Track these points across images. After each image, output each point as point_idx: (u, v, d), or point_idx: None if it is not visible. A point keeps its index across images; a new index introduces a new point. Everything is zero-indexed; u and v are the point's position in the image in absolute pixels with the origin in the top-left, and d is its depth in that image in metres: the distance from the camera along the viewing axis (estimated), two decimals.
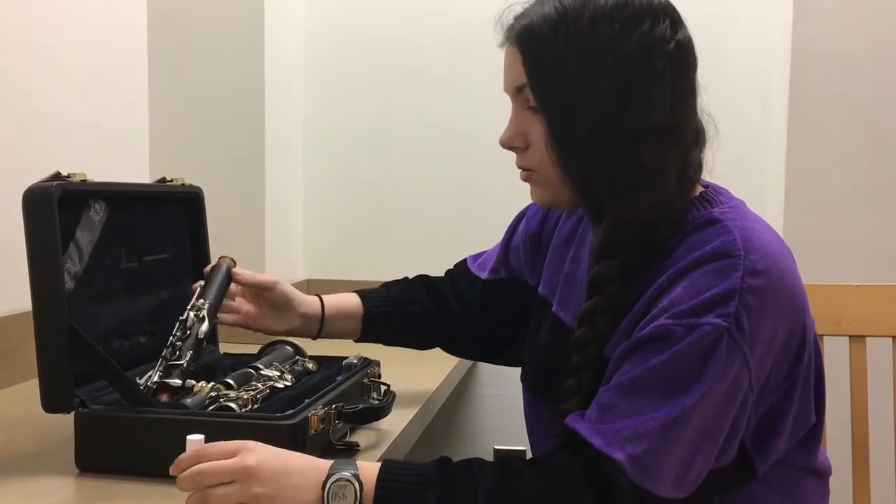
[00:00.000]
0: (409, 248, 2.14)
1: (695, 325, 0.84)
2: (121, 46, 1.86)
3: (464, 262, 1.37)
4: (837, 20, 1.84)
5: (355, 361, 1.30)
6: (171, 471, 0.84)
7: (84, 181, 1.10)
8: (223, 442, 0.85)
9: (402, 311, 1.32)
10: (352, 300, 1.33)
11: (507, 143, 1.00)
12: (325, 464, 0.84)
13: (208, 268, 1.25)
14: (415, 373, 1.53)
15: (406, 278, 1.40)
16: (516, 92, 0.97)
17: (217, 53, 1.92)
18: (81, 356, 1.03)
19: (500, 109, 2.05)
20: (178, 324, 1.17)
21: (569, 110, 0.92)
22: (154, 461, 1.00)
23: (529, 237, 1.22)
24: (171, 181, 1.33)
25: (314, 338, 1.31)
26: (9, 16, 1.50)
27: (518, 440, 2.07)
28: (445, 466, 0.85)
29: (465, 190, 2.10)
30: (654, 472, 0.82)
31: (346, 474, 0.82)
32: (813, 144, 1.87)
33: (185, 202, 1.37)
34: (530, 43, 0.94)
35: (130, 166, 1.89)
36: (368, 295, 1.34)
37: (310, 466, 0.84)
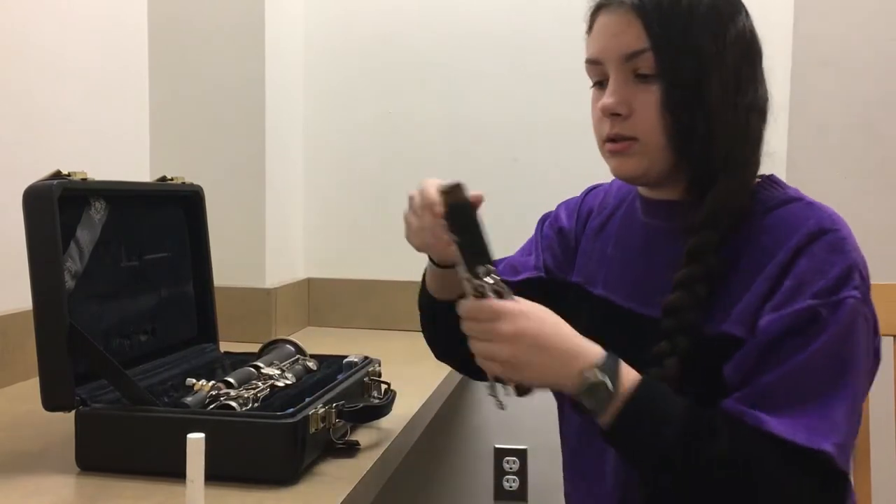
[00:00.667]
0: (409, 247, 2.13)
1: (838, 303, 0.87)
2: (122, 45, 1.86)
3: None
4: (838, 19, 1.84)
5: (356, 360, 1.30)
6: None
7: (84, 180, 1.10)
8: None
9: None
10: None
11: (612, 109, 0.96)
12: (589, 360, 0.87)
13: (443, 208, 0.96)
14: (415, 372, 1.54)
15: None
16: (625, 59, 0.95)
17: (217, 53, 1.92)
18: (82, 355, 1.03)
19: (500, 107, 2.06)
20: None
21: (696, 77, 0.93)
22: (154, 460, 1.01)
23: (561, 232, 1.18)
24: (172, 180, 1.34)
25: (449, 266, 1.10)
26: (9, 16, 1.50)
27: (518, 439, 2.07)
28: (693, 412, 0.88)
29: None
30: (849, 456, 0.88)
31: (606, 382, 0.86)
32: (813, 143, 1.87)
33: (185, 201, 1.37)
34: (656, 8, 0.93)
35: (131, 165, 1.89)
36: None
37: (569, 354, 0.88)
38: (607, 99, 0.96)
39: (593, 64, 0.99)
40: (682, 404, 0.88)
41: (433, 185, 1.00)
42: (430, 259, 1.12)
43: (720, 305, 0.93)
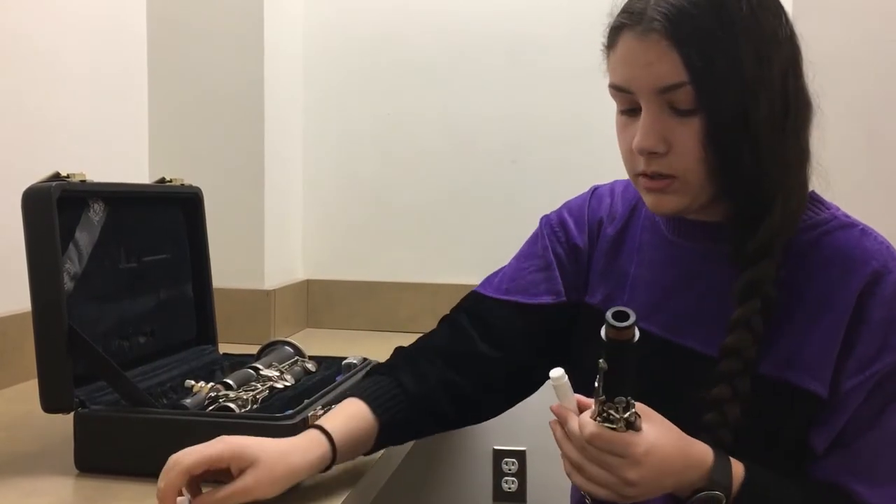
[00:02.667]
0: (408, 248, 2.14)
1: None
2: (120, 47, 1.86)
3: (479, 297, 1.12)
4: (837, 19, 1.84)
5: (355, 362, 1.30)
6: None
7: (83, 181, 1.10)
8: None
9: (423, 409, 1.04)
10: (360, 415, 0.99)
11: (650, 149, 0.87)
12: (703, 469, 0.84)
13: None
14: None
15: (405, 353, 1.11)
16: (660, 92, 0.85)
17: (216, 54, 1.92)
18: (81, 356, 1.03)
19: (499, 109, 2.06)
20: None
21: (742, 105, 0.84)
22: (153, 461, 1.00)
23: (574, 250, 1.08)
24: (171, 181, 1.33)
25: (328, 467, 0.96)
26: (8, 18, 1.50)
27: (517, 441, 2.07)
28: (812, 494, 0.87)
29: (466, 190, 2.10)
30: None
31: (718, 494, 0.83)
32: (815, 143, 1.87)
33: (184, 202, 1.37)
34: (693, 35, 0.83)
35: (130, 167, 1.89)
36: (377, 401, 1.01)
37: (688, 469, 0.84)
38: (643, 140, 0.87)
39: (619, 91, 0.90)
40: (791, 492, 0.86)
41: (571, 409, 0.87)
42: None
43: (781, 345, 0.89)
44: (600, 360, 0.81)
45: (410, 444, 1.32)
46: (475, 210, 2.09)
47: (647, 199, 0.92)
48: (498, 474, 2.10)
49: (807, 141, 0.91)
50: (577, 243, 1.08)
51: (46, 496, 0.96)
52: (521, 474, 2.09)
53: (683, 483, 0.83)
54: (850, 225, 0.93)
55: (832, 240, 0.91)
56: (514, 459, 2.09)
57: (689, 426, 0.87)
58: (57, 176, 1.07)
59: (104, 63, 1.78)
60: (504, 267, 1.14)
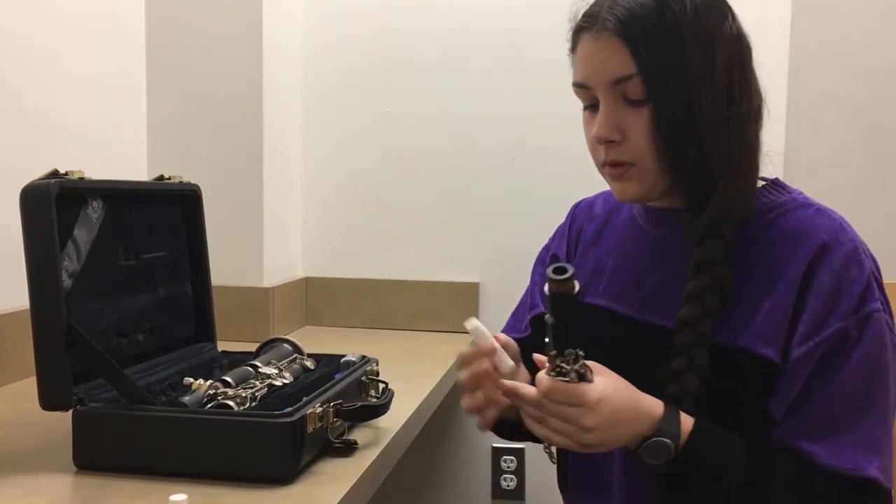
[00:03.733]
0: (408, 246, 2.14)
1: (864, 319, 0.90)
2: (119, 44, 1.86)
3: None
4: (835, 18, 1.84)
5: (354, 359, 1.30)
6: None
7: (82, 179, 1.10)
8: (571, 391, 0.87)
9: None
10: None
11: (606, 138, 0.95)
12: (652, 420, 0.88)
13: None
14: (413, 371, 1.54)
15: None
16: (613, 84, 0.94)
17: (215, 51, 1.92)
18: (79, 354, 1.03)
19: (498, 108, 2.06)
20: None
21: (686, 97, 0.92)
22: (152, 459, 1.01)
23: (555, 259, 1.17)
24: (169, 179, 1.33)
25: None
26: (8, 16, 1.50)
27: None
28: (749, 456, 0.90)
29: (465, 188, 2.10)
30: (891, 472, 0.90)
31: (666, 441, 0.88)
32: (810, 141, 1.87)
33: (183, 200, 1.37)
34: (640, 32, 0.92)
35: (128, 164, 1.89)
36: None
37: (638, 419, 0.88)
38: (599, 129, 0.95)
39: (581, 88, 0.98)
40: (739, 447, 0.90)
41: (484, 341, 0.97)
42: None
43: (735, 316, 0.93)
44: (546, 316, 0.90)
45: (409, 442, 1.33)
46: (474, 209, 2.09)
47: (613, 188, 1.00)
48: (497, 472, 2.10)
49: (755, 131, 0.97)
50: (556, 253, 1.17)
51: (45, 494, 0.96)
52: (519, 472, 2.09)
53: (635, 433, 0.88)
54: (805, 205, 0.98)
55: (786, 219, 0.97)
56: (512, 457, 2.09)
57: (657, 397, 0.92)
58: (55, 173, 1.07)
59: (103, 62, 1.78)
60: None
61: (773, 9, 1.93)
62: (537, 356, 0.93)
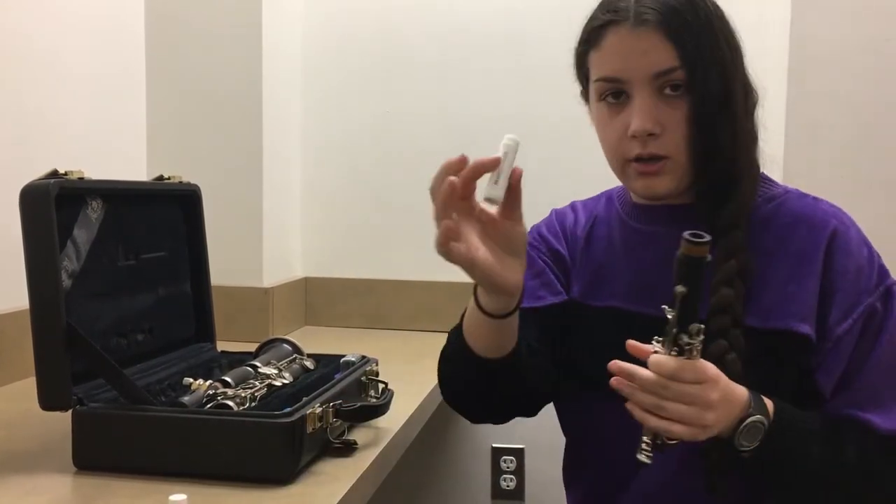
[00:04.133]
0: (407, 245, 2.14)
1: (886, 292, 0.97)
2: (119, 44, 1.86)
3: None
4: (835, 18, 1.84)
5: (353, 359, 1.30)
6: None
7: (81, 179, 1.10)
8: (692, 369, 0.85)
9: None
10: None
11: (648, 131, 0.95)
12: (744, 400, 0.89)
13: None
14: (412, 371, 1.53)
15: None
16: (654, 77, 0.95)
17: (215, 51, 1.92)
18: (79, 354, 1.03)
19: (497, 106, 2.06)
20: None
21: (723, 89, 0.95)
22: (151, 459, 1.01)
23: (556, 256, 1.13)
24: (169, 179, 1.33)
25: (510, 313, 0.94)
26: (7, 16, 1.50)
27: (515, 439, 2.07)
28: (829, 424, 0.94)
29: None
30: None
31: (762, 418, 0.89)
32: (810, 142, 1.87)
33: (182, 200, 1.37)
34: (680, 25, 0.94)
35: (128, 164, 1.89)
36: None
37: (737, 399, 0.88)
38: (642, 122, 0.95)
39: (611, 82, 0.98)
40: (816, 422, 0.93)
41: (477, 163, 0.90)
42: (478, 303, 0.95)
43: (761, 300, 0.96)
44: (677, 287, 0.84)
45: (409, 442, 1.33)
46: None
47: (638, 184, 1.00)
48: (496, 472, 2.10)
49: (756, 124, 1.02)
50: (559, 249, 1.14)
51: (45, 494, 0.96)
52: (519, 472, 2.09)
53: (736, 414, 0.88)
54: (803, 195, 1.04)
55: (790, 208, 1.01)
56: (512, 457, 2.09)
57: None
58: (55, 173, 1.07)
59: (103, 62, 1.78)
60: None
61: (773, 9, 1.93)
62: (636, 344, 0.88)
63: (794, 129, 1.87)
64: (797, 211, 1.01)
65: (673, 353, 0.84)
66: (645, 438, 0.87)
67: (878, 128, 1.85)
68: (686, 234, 0.82)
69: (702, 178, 0.99)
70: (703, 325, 0.84)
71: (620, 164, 1.00)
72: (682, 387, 0.84)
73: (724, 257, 0.95)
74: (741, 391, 0.89)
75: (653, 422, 0.85)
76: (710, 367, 0.85)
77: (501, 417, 1.10)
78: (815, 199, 1.03)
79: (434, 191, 0.90)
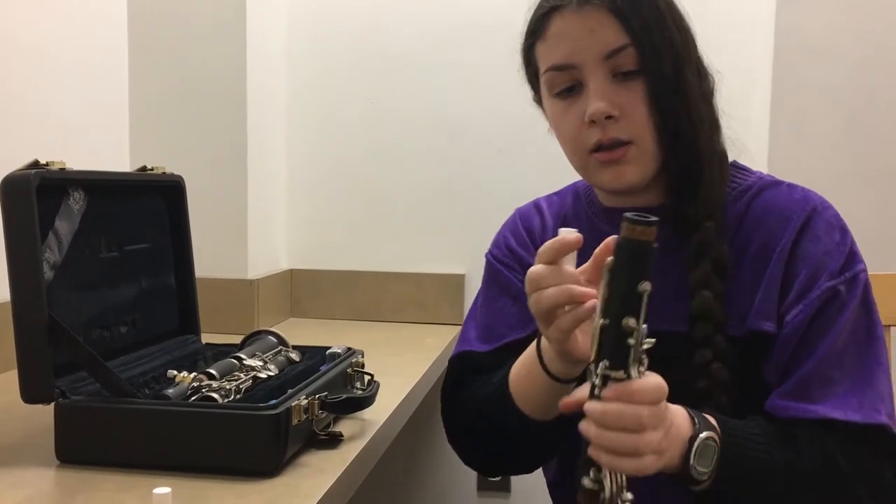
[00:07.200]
0: (393, 237, 2.14)
1: (853, 278, 0.91)
2: (101, 34, 1.84)
3: (468, 356, 1.08)
4: (821, 9, 1.85)
5: (339, 351, 1.30)
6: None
7: (63, 169, 1.09)
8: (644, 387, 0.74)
9: None
10: None
11: (606, 113, 0.91)
12: (687, 419, 0.81)
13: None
14: (399, 362, 1.53)
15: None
16: (605, 58, 0.91)
17: (198, 41, 1.91)
18: (61, 347, 1.02)
19: (486, 97, 2.05)
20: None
21: (675, 70, 0.91)
22: (135, 452, 1.00)
23: (526, 270, 1.06)
24: (152, 170, 1.32)
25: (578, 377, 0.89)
26: None
27: None
28: (773, 429, 0.87)
29: (451, 180, 2.09)
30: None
31: (712, 435, 0.82)
32: (795, 133, 1.88)
33: (166, 191, 1.36)
34: (625, 4, 0.90)
35: (110, 155, 1.87)
36: None
37: (680, 420, 0.81)
38: (597, 105, 0.91)
39: (561, 70, 0.94)
40: (763, 429, 0.87)
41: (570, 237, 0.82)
42: (546, 368, 0.88)
43: (738, 303, 0.92)
44: (608, 272, 0.73)
45: (395, 434, 1.32)
46: (460, 200, 2.09)
47: (605, 175, 0.95)
48: None
49: (716, 109, 0.98)
50: (532, 262, 1.03)
51: (28, 487, 0.95)
52: None
53: (680, 441, 0.79)
54: (775, 183, 0.99)
55: (762, 199, 0.97)
56: None
57: (686, 403, 0.84)
58: (36, 164, 1.06)
59: (85, 49, 1.76)
60: (469, 324, 1.11)
61: (759, 1, 1.93)
62: (568, 402, 0.77)
63: (780, 121, 1.88)
64: (768, 202, 0.97)
65: (604, 368, 0.72)
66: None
67: (863, 119, 1.85)
68: (627, 214, 0.72)
69: (668, 169, 0.95)
70: (644, 328, 0.72)
71: (582, 159, 0.96)
72: (630, 409, 0.72)
73: (695, 256, 0.92)
74: (678, 409, 0.80)
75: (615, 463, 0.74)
76: (647, 381, 0.73)
77: (521, 472, 1.06)
78: (789, 186, 0.99)
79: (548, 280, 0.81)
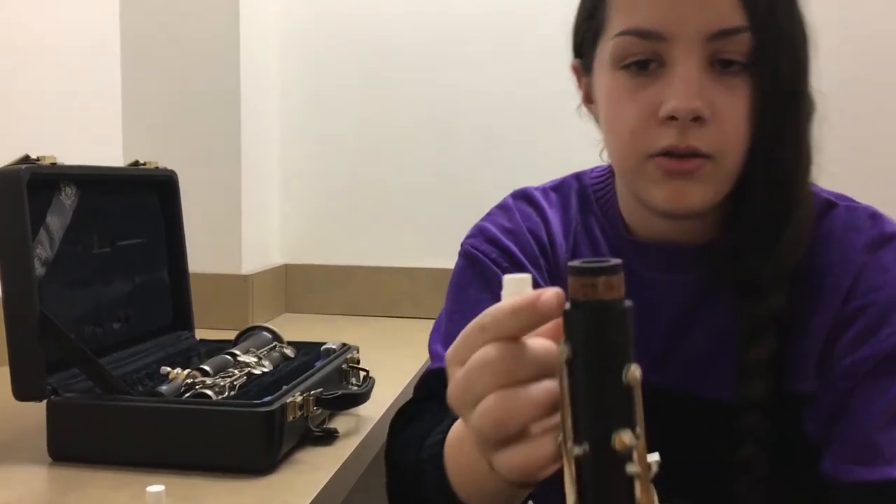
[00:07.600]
0: (388, 232, 2.13)
1: None
2: (93, 27, 1.82)
3: (439, 374, 0.86)
4: (808, 4, 1.85)
5: (334, 347, 1.29)
6: None
7: (54, 164, 1.08)
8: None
9: None
10: None
11: (696, 112, 0.68)
12: None
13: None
14: (394, 358, 1.53)
15: None
16: (709, 39, 0.68)
17: (192, 34, 1.89)
18: (53, 343, 1.01)
19: (480, 89, 2.05)
20: None
21: (794, 76, 0.70)
22: (128, 450, 0.99)
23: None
24: (145, 165, 1.31)
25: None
26: None
27: None
28: None
29: (442, 175, 2.09)
30: None
31: None
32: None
33: (159, 186, 1.35)
34: None
35: (103, 149, 1.86)
36: None
37: None
38: (687, 99, 0.68)
39: (643, 37, 0.70)
40: None
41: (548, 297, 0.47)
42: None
43: (785, 373, 0.74)
44: (564, 356, 0.45)
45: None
46: (455, 195, 2.08)
47: (663, 191, 0.72)
48: None
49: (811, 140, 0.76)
50: (539, 280, 0.85)
51: (20, 485, 0.94)
52: None
53: None
54: (829, 203, 0.79)
55: (823, 225, 0.77)
56: None
57: (719, 490, 0.72)
58: (27, 159, 1.05)
59: (77, 43, 1.75)
60: (434, 338, 0.90)
61: None
62: None
63: None
64: (826, 233, 0.76)
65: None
66: None
67: (853, 111, 1.85)
68: (574, 263, 0.44)
69: (738, 198, 0.73)
70: (640, 433, 0.44)
71: (639, 161, 0.72)
72: None
73: (759, 330, 0.72)
74: None
75: None
76: None
77: None
78: (846, 208, 0.78)
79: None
